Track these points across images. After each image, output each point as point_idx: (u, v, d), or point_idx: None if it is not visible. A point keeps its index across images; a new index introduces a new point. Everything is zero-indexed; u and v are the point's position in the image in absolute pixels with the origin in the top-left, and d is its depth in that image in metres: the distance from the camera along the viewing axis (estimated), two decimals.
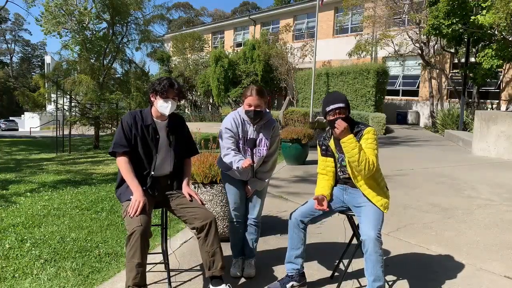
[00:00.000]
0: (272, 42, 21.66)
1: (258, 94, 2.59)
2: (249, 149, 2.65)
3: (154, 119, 2.51)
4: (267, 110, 2.78)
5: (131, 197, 2.34)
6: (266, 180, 2.77)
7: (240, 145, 2.69)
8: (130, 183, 2.37)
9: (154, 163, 2.48)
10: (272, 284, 2.57)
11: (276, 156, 2.82)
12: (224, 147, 2.66)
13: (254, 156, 2.67)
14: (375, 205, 2.38)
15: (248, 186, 2.74)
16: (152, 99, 2.49)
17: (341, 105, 2.37)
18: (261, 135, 2.70)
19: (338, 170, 2.54)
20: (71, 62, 11.61)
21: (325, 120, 2.50)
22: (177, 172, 2.61)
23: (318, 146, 2.63)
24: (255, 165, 2.68)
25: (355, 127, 2.42)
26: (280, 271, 2.81)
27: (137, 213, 2.23)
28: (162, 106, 2.44)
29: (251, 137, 2.68)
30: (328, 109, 2.41)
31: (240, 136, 2.68)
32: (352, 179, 2.45)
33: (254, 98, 2.59)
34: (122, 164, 2.41)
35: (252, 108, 2.60)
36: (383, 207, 2.39)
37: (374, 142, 2.38)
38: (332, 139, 2.53)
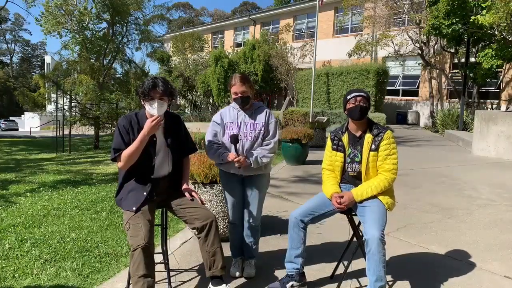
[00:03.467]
0: (272, 42, 21.65)
1: (241, 81, 2.65)
2: (233, 145, 2.62)
3: None
4: (262, 103, 2.81)
5: (134, 208, 2.30)
6: (264, 160, 2.66)
7: (233, 131, 2.68)
8: (137, 140, 2.32)
9: (153, 166, 2.46)
10: (272, 284, 2.57)
11: (277, 139, 2.77)
12: (207, 140, 2.73)
13: (239, 148, 2.65)
14: (381, 202, 2.39)
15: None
16: (142, 102, 2.43)
17: (362, 93, 2.46)
18: (249, 118, 2.72)
19: (347, 166, 2.53)
20: (71, 62, 11.61)
21: (345, 112, 2.51)
22: (176, 172, 2.60)
23: (329, 140, 2.62)
24: (245, 148, 2.66)
25: (373, 128, 2.48)
26: (280, 271, 2.81)
27: (157, 122, 2.30)
28: (150, 109, 2.37)
29: (234, 132, 2.66)
30: (349, 97, 2.47)
31: (231, 124, 2.71)
32: (363, 176, 2.46)
33: (239, 85, 2.64)
34: (124, 155, 2.35)
35: (239, 95, 2.65)
36: (388, 205, 2.41)
37: (394, 148, 2.46)
38: (346, 134, 2.53)
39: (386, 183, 2.41)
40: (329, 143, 2.62)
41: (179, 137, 2.59)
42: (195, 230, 2.44)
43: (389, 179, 2.42)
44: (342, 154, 2.53)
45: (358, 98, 2.43)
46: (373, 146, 2.43)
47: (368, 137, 2.46)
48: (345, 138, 2.53)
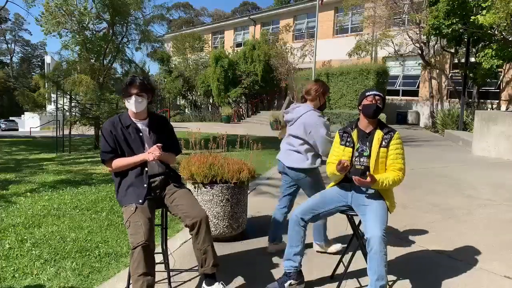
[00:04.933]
0: (272, 42, 21.65)
1: None
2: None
3: (133, 119, 2.52)
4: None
5: (136, 204, 2.32)
6: None
7: None
8: (133, 160, 2.43)
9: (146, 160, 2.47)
10: (270, 284, 2.57)
11: None
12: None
13: None
14: (384, 201, 2.41)
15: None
16: (124, 101, 2.52)
17: (381, 94, 2.50)
18: None
19: (355, 160, 2.53)
20: (71, 62, 11.60)
21: (359, 107, 2.54)
22: (169, 171, 2.61)
23: (337, 136, 2.64)
24: None
25: (383, 127, 2.51)
26: (279, 270, 2.81)
27: (157, 154, 2.36)
28: (128, 104, 2.46)
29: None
30: (367, 93, 2.50)
31: None
32: (372, 171, 2.46)
33: None
34: (116, 163, 2.44)
35: None
36: (391, 205, 2.43)
37: (403, 148, 2.49)
38: (356, 130, 2.55)
39: (397, 180, 2.43)
40: (337, 139, 2.63)
41: (163, 136, 2.59)
42: (188, 229, 2.45)
43: (401, 177, 2.45)
44: (351, 149, 2.53)
45: (377, 97, 2.47)
46: (383, 143, 2.45)
47: (378, 133, 2.48)
48: (354, 134, 2.55)
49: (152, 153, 2.37)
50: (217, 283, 2.38)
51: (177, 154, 2.73)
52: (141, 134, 2.51)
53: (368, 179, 2.34)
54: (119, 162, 2.44)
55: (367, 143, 2.50)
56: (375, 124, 2.52)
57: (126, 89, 2.43)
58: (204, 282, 2.42)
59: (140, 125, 2.53)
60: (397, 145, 2.45)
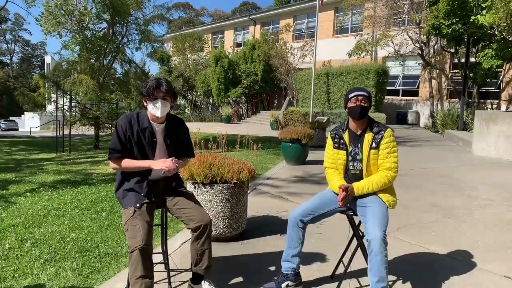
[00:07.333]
0: (272, 42, 21.66)
1: None
2: None
3: (151, 122, 2.45)
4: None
5: (137, 205, 2.32)
6: None
7: None
8: (141, 164, 2.39)
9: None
10: (267, 283, 2.57)
11: None
12: None
13: None
14: (382, 201, 2.40)
15: None
16: (144, 103, 2.43)
17: (363, 93, 2.44)
18: None
19: (349, 164, 2.53)
20: (71, 62, 11.61)
21: (346, 110, 2.51)
22: (174, 174, 2.58)
23: (329, 138, 2.62)
24: None
25: (374, 126, 2.48)
26: (279, 271, 2.81)
27: (172, 165, 2.34)
28: (153, 109, 2.37)
29: None
30: (350, 95, 2.45)
31: None
32: (364, 173, 2.46)
33: None
34: (124, 164, 2.40)
35: None
36: (389, 203, 2.42)
37: (394, 146, 2.46)
38: (346, 132, 2.53)
39: (387, 180, 2.42)
40: (329, 141, 2.62)
41: (179, 140, 2.57)
42: (189, 230, 2.45)
43: (390, 177, 2.43)
44: (345, 152, 2.53)
45: (360, 98, 2.43)
46: (373, 144, 2.44)
47: (368, 135, 2.46)
48: (346, 136, 2.53)
49: (166, 167, 2.33)
50: (203, 281, 2.45)
51: (190, 157, 2.69)
52: (155, 139, 2.45)
53: (343, 193, 2.35)
54: (126, 163, 2.40)
55: (359, 145, 2.49)
56: (365, 125, 2.50)
57: (152, 92, 2.34)
58: (192, 278, 2.48)
59: (157, 129, 2.47)
60: (387, 144, 2.43)
